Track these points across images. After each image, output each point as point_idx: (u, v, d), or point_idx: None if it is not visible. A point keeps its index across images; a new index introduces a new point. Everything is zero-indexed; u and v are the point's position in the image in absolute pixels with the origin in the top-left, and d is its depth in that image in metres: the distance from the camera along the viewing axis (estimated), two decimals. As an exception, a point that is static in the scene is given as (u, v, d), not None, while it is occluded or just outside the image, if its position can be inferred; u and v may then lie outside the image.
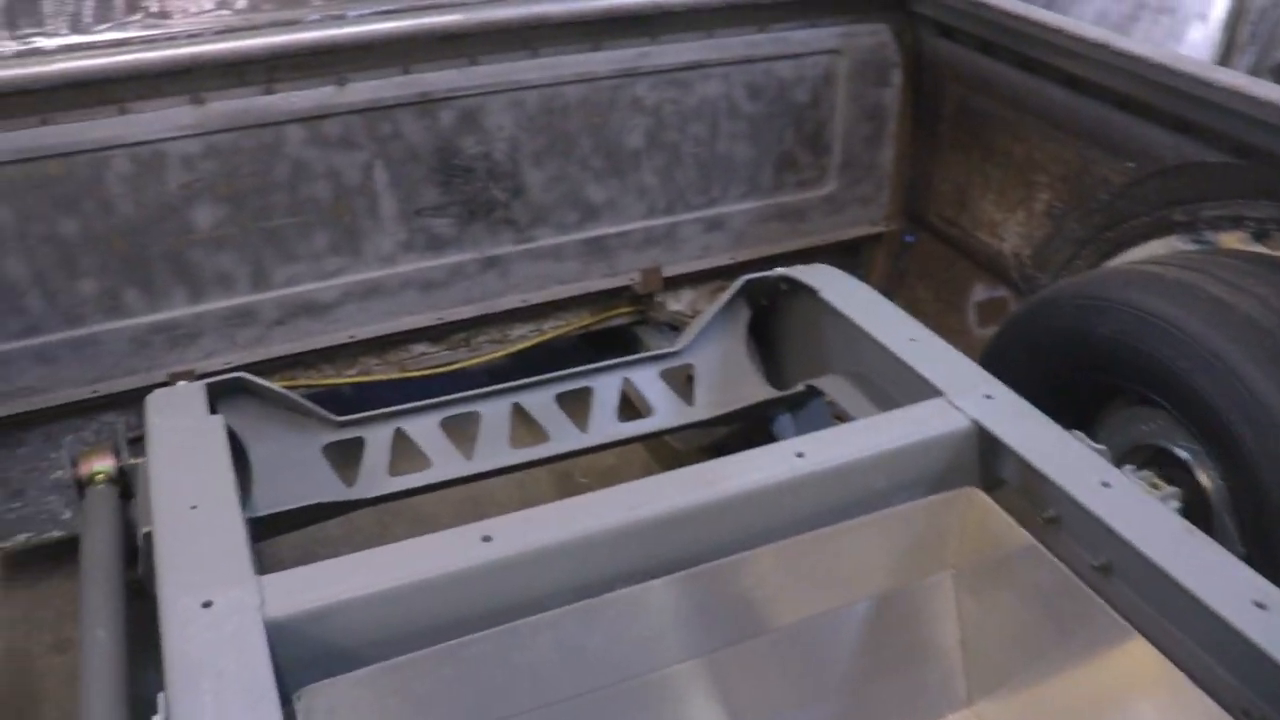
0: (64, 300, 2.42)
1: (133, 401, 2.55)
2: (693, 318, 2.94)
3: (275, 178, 2.46)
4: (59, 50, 2.23)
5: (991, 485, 1.90)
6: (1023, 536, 1.77)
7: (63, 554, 2.83)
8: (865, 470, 1.82)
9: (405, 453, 2.15)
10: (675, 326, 2.97)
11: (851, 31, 2.84)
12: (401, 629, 1.53)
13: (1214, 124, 2.27)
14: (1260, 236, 2.39)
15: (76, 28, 2.25)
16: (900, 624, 1.91)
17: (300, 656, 1.48)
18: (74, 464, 2.23)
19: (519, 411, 2.23)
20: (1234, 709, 1.48)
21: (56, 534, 2.69)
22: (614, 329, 3.01)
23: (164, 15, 2.29)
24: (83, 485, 2.19)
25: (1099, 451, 1.82)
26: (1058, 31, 2.44)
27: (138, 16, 2.27)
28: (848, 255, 3.19)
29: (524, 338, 2.88)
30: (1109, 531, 1.66)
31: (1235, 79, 2.18)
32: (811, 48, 2.82)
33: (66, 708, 2.54)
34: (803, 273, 2.31)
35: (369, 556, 1.58)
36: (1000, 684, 1.92)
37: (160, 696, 1.36)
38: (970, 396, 1.94)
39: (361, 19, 2.39)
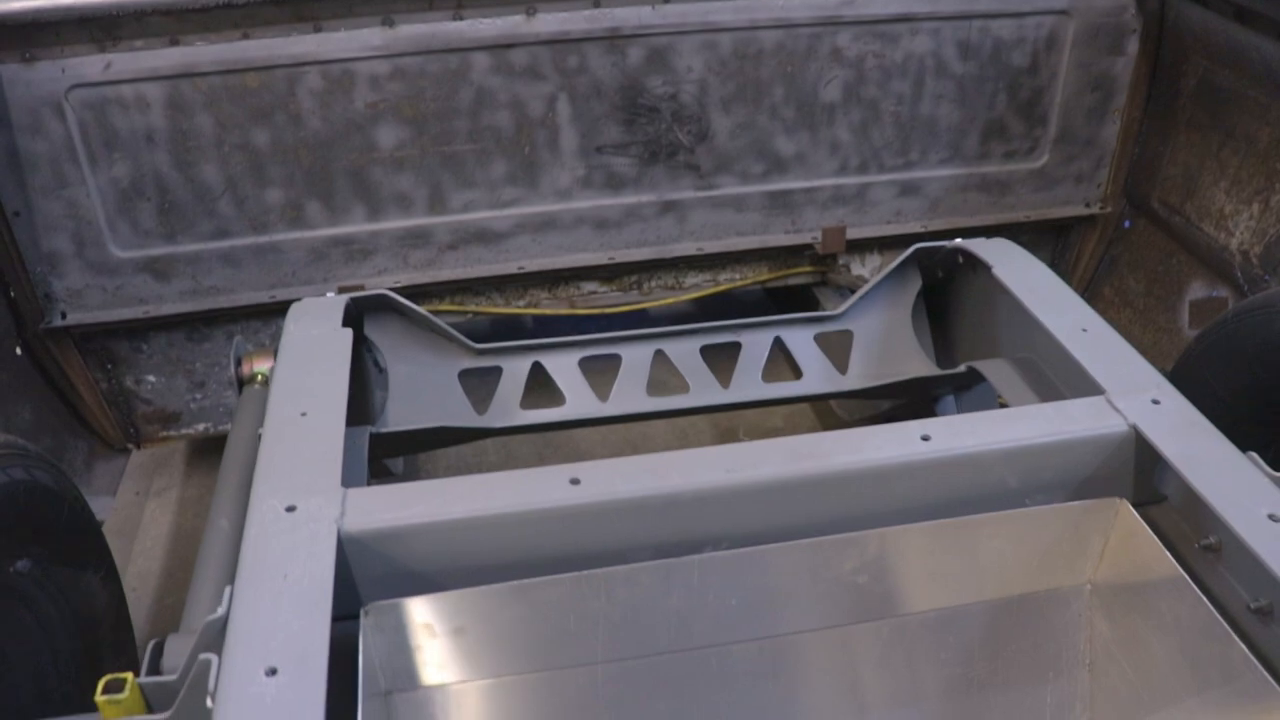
0: (252, 207, 2.53)
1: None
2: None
3: (458, 104, 2.48)
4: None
5: (1146, 501, 1.72)
6: (1170, 564, 1.59)
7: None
8: (996, 464, 1.68)
9: (543, 387, 2.14)
10: (853, 290, 2.83)
11: (1088, -11, 2.60)
12: (475, 560, 1.52)
13: None
14: None
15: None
16: (1025, 633, 1.77)
17: (373, 572, 1.49)
18: (238, 363, 2.34)
19: (662, 359, 2.17)
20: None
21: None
22: (792, 287, 2.91)
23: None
24: (242, 383, 2.30)
25: (1274, 479, 1.61)
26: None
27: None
28: (1056, 236, 2.97)
29: (697, 286, 2.82)
30: (1271, 572, 1.47)
31: None
32: (1037, 6, 2.60)
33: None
34: (978, 245, 2.15)
35: (453, 484, 1.57)
36: (1125, 716, 1.75)
37: (227, 589, 1.39)
38: (1135, 398, 1.75)
39: (557, -55, 2.37)
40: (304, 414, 1.68)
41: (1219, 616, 1.49)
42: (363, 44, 2.38)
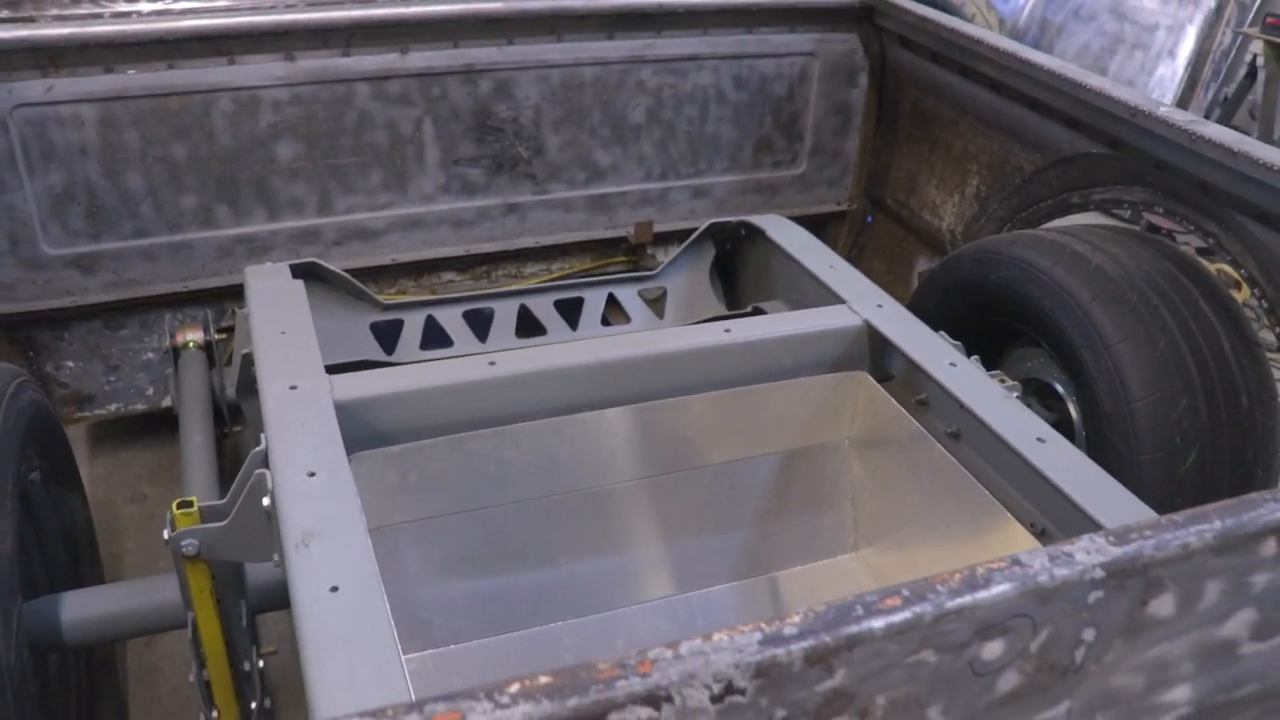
0: (169, 210, 3.03)
1: (214, 298, 3.18)
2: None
3: (344, 124, 3.07)
4: (186, 11, 2.85)
5: (881, 379, 2.46)
6: (901, 412, 2.33)
7: (143, 427, 3.44)
8: (776, 347, 2.39)
9: (433, 334, 2.75)
10: (662, 276, 3.56)
11: (825, 39, 3.44)
12: (426, 421, 2.11)
13: (1093, 120, 2.84)
14: (1135, 219, 2.96)
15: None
16: (802, 478, 2.47)
17: (356, 431, 2.06)
18: (172, 335, 2.84)
19: (524, 311, 2.82)
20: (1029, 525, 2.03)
21: (141, 407, 3.28)
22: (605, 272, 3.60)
23: (269, -13, 2.92)
24: (177, 351, 2.81)
25: (952, 343, 2.39)
26: (981, 44, 3.02)
27: (247, -13, 2.90)
28: (815, 229, 3.74)
29: (534, 275, 3.47)
30: (959, 402, 2.22)
31: (1100, 82, 2.76)
32: (791, 50, 3.42)
33: (141, 540, 3.13)
34: (758, 220, 2.90)
35: (412, 369, 2.17)
36: (882, 535, 2.47)
37: (261, 435, 1.94)
38: (866, 305, 2.51)
39: (421, 0, 3.00)
40: (283, 333, 2.24)
41: (937, 443, 2.22)
42: (268, 74, 2.94)
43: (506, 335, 2.78)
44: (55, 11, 2.77)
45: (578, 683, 0.74)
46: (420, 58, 3.05)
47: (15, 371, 2.22)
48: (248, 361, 2.28)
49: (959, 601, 0.87)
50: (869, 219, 3.75)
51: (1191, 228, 2.78)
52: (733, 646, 0.80)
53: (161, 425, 3.26)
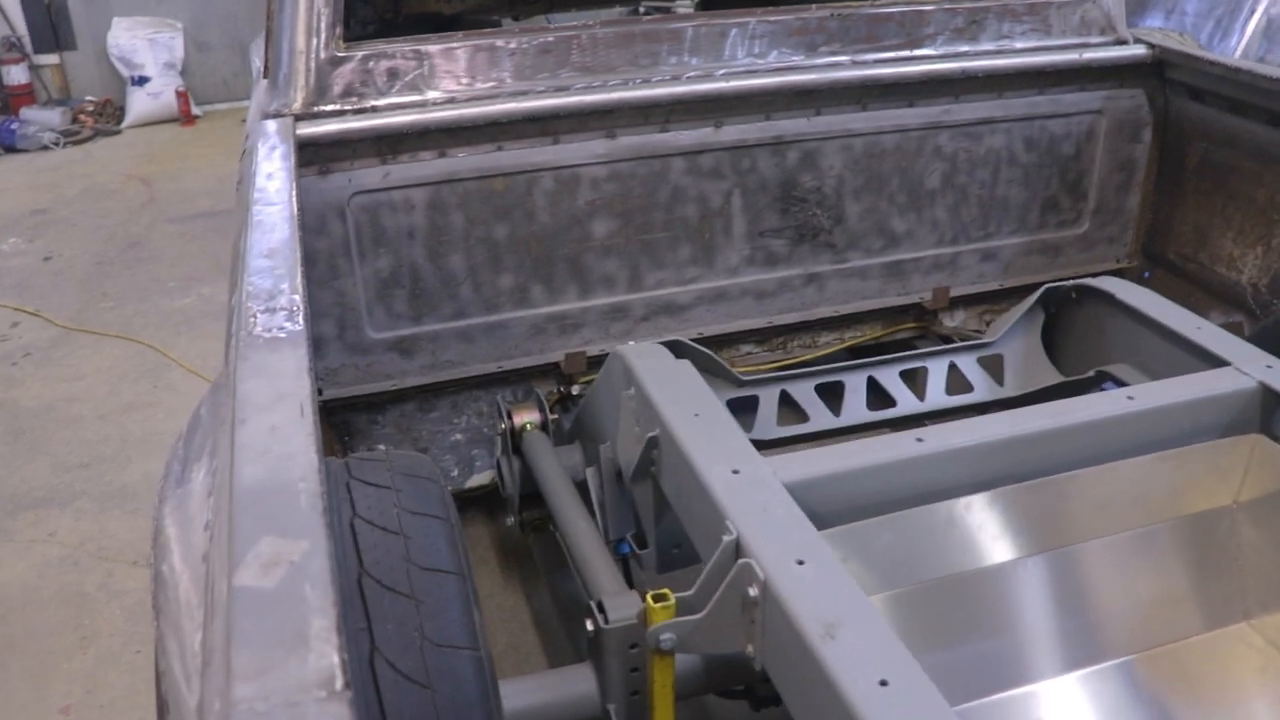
0: (487, 290, 3.06)
1: (522, 378, 3.19)
2: (970, 333, 3.49)
3: (658, 199, 3.08)
4: (517, 93, 2.89)
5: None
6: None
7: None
8: (1178, 414, 2.33)
9: (789, 408, 2.72)
10: (948, 339, 3.51)
11: (1114, 95, 3.41)
12: (864, 500, 2.09)
13: None
14: None
15: (525, 77, 2.92)
16: (1192, 545, 2.40)
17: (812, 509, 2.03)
18: (509, 415, 2.85)
19: (873, 383, 2.79)
20: None
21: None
22: (897, 341, 3.57)
23: (589, 69, 2.94)
24: (515, 432, 2.81)
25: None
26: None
27: (570, 71, 2.93)
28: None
29: (829, 344, 3.45)
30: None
31: None
32: (1080, 109, 3.39)
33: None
34: (1096, 282, 2.85)
35: (843, 448, 2.15)
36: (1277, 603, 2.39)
37: (727, 522, 1.91)
38: (1255, 365, 2.45)
39: (739, 75, 3.02)
40: (697, 415, 2.23)
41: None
42: (590, 152, 2.97)
43: (858, 408, 2.76)
44: (391, 100, 2.82)
45: None
46: (733, 130, 3.07)
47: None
48: (652, 445, 2.26)
49: None
50: (1146, 274, 3.69)
51: None
52: None
53: (466, 506, 3.27)
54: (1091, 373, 2.84)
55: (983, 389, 2.85)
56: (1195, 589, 2.43)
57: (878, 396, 2.80)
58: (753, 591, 1.79)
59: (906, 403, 2.79)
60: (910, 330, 3.53)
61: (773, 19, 3.04)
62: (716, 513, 1.96)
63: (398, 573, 1.68)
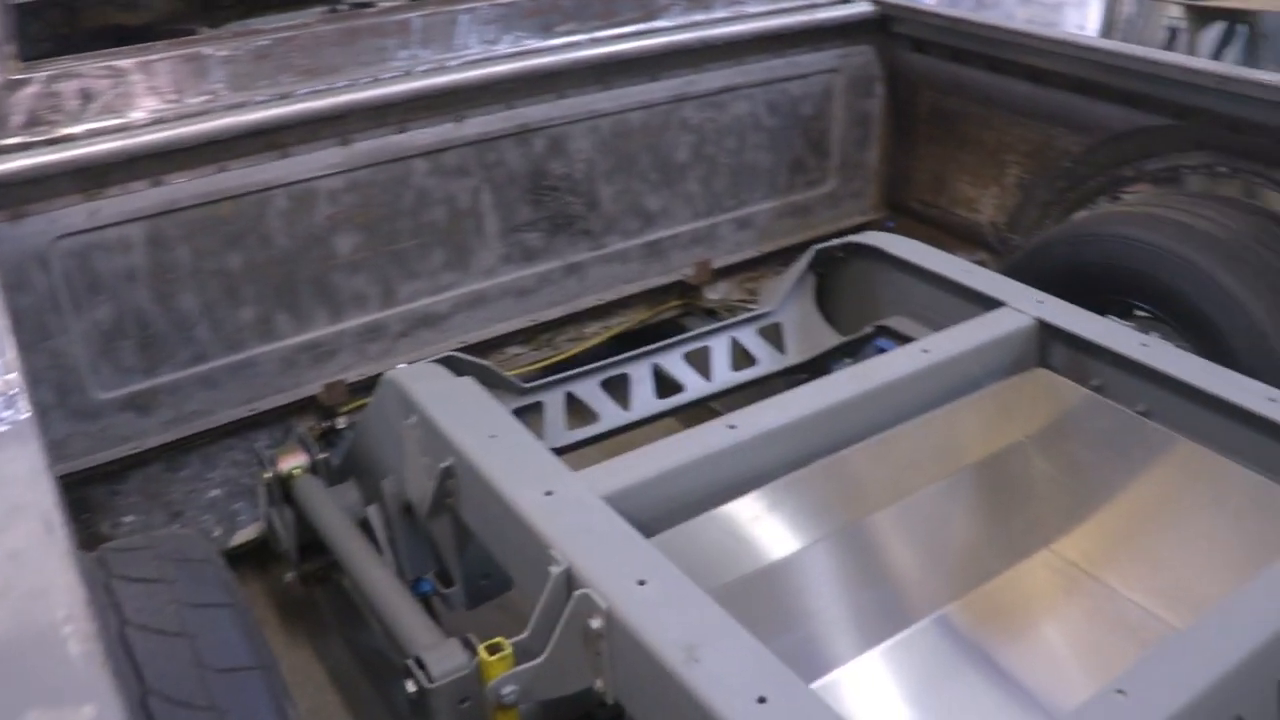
0: (227, 327, 2.75)
1: (279, 418, 2.91)
2: (736, 304, 3.45)
3: (402, 205, 2.86)
4: (235, 105, 2.60)
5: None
6: (1084, 392, 2.32)
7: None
8: (969, 360, 2.35)
9: (577, 409, 2.57)
10: (714, 313, 3.46)
11: (846, 53, 3.43)
12: (686, 497, 1.97)
13: (1159, 94, 2.91)
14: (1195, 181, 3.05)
15: (242, 86, 2.62)
16: (992, 485, 2.43)
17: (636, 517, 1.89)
18: (272, 462, 2.58)
19: (658, 371, 2.68)
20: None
21: (208, 550, 2.96)
22: (663, 322, 3.48)
23: (314, 72, 2.68)
24: (284, 480, 2.55)
25: (1132, 326, 2.40)
26: (1028, 35, 3.07)
27: (293, 76, 2.66)
28: (846, 243, 3.75)
29: (595, 334, 3.32)
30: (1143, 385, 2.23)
31: (1177, 57, 2.84)
32: (817, 68, 3.39)
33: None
34: (864, 238, 2.84)
35: (653, 448, 2.01)
36: (1074, 523, 2.45)
37: (553, 551, 1.74)
38: (1027, 302, 2.49)
39: (476, 64, 2.83)
40: (493, 436, 2.04)
41: (1124, 408, 2.23)
42: (324, 163, 2.71)
43: (647, 398, 2.64)
44: (89, 126, 2.47)
45: None
46: (475, 124, 2.88)
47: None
48: (447, 475, 2.06)
49: None
50: (890, 224, 3.75)
51: (1262, 181, 2.88)
52: None
53: (234, 564, 2.95)
54: (869, 328, 2.83)
55: (767, 360, 2.80)
56: (999, 527, 2.46)
57: (665, 384, 2.69)
58: (595, 623, 1.64)
59: (695, 386, 2.69)
60: (675, 309, 3.46)
61: (504, 1, 2.87)
62: (538, 543, 1.79)
63: (190, 682, 1.42)
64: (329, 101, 2.65)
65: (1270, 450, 2.13)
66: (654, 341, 3.00)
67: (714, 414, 3.06)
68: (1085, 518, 2.44)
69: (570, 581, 1.71)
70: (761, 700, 1.46)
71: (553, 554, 1.74)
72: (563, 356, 3.26)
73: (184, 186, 2.58)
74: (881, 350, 2.93)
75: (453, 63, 2.82)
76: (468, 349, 3.04)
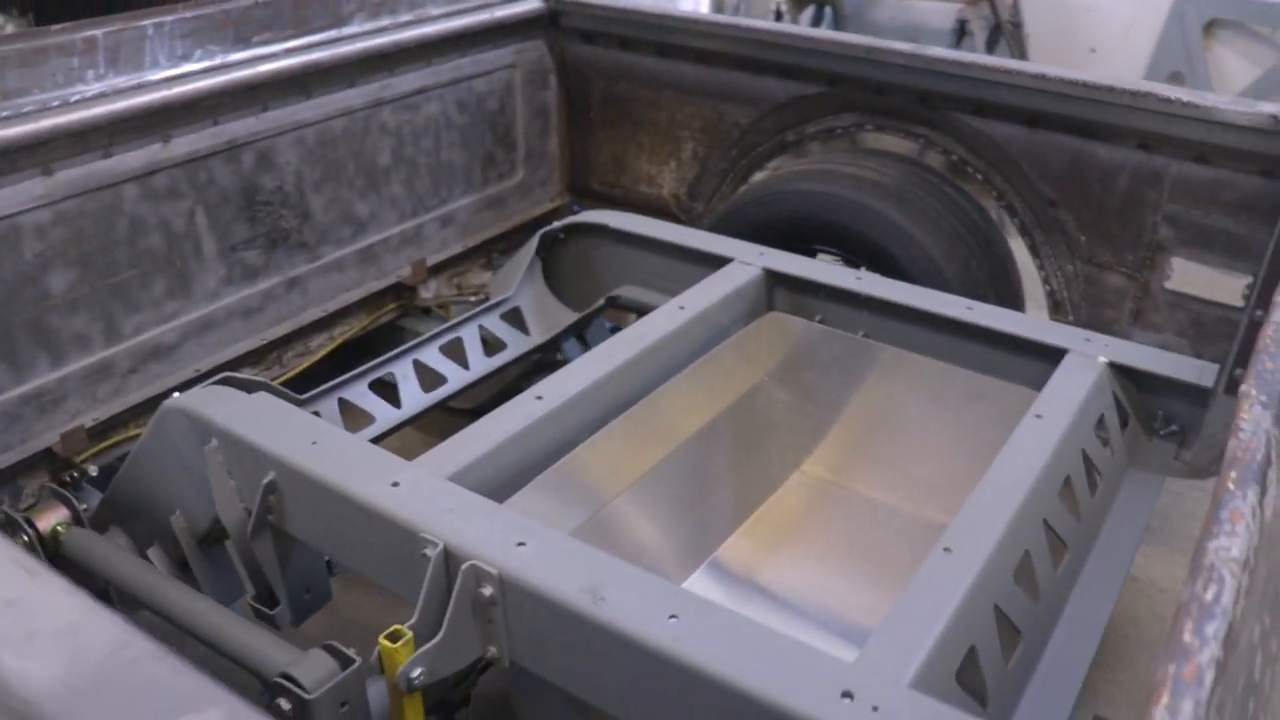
0: (-65, 390, 2.50)
1: (7, 479, 2.67)
2: (450, 300, 3.53)
3: (116, 235, 2.71)
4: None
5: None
6: (812, 325, 2.65)
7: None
8: (719, 311, 2.61)
9: (350, 414, 2.58)
10: (429, 310, 3.53)
11: (522, 48, 3.59)
12: (519, 465, 2.08)
13: (814, 65, 3.30)
14: (849, 138, 3.49)
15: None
16: (746, 423, 2.70)
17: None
18: (29, 525, 2.40)
19: (419, 365, 2.73)
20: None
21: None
22: (384, 325, 3.49)
23: (13, 94, 2.49)
24: (47, 540, 2.39)
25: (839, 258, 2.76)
26: (693, 20, 3.37)
27: (-12, 98, 2.46)
28: (538, 229, 3.91)
29: (322, 346, 3.28)
30: (886, 304, 2.59)
31: (827, 34, 3.24)
32: (497, 65, 3.52)
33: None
34: (587, 216, 3.03)
35: (476, 428, 2.10)
36: (817, 442, 2.78)
37: (423, 535, 1.79)
38: (751, 255, 2.79)
39: (178, 80, 2.73)
40: (314, 443, 2.03)
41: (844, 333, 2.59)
42: (27, 195, 2.52)
43: (415, 393, 2.69)
44: None
45: None
46: (183, 143, 2.77)
47: None
48: (269, 491, 2.04)
49: None
50: (575, 208, 3.96)
51: (902, 134, 3.35)
52: None
53: None
54: (602, 301, 3.03)
55: (516, 343, 2.92)
56: (757, 459, 2.74)
57: (428, 377, 2.74)
58: (487, 590, 1.72)
59: (456, 376, 2.77)
60: (393, 312, 3.48)
61: (192, 14, 2.78)
62: (402, 531, 1.83)
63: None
64: (23, 129, 2.47)
65: (974, 350, 2.54)
66: (376, 348, 3.06)
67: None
68: (825, 436, 2.77)
69: (449, 559, 1.77)
70: (673, 617, 1.61)
71: (424, 537, 1.79)
72: (294, 373, 3.20)
73: None
74: (612, 330, 3.15)
75: (151, 79, 2.71)
76: (201, 376, 2.95)
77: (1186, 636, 1.06)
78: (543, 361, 3.15)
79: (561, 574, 1.70)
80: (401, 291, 3.46)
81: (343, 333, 3.34)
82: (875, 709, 1.47)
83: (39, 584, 1.04)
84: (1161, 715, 0.96)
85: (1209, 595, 1.13)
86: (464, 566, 1.73)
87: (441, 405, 2.73)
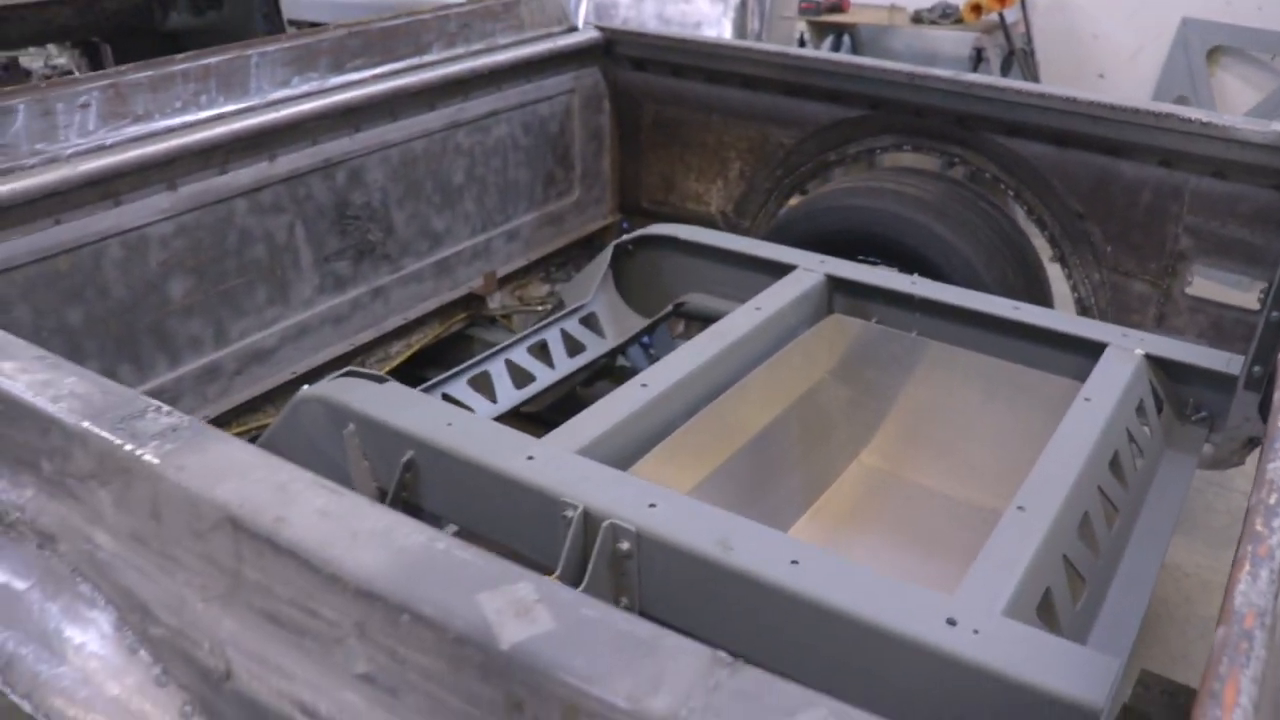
0: (69, 386, 2.70)
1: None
2: (515, 309, 3.76)
3: (227, 246, 2.93)
4: (75, 155, 2.60)
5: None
6: (871, 325, 2.89)
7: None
8: (789, 313, 2.84)
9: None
10: (495, 320, 3.76)
11: (579, 75, 3.85)
12: (632, 442, 2.31)
13: (857, 90, 3.56)
14: (887, 159, 3.74)
15: (81, 133, 2.63)
16: (813, 417, 2.93)
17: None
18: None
19: (511, 365, 2.95)
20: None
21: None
22: (454, 335, 3.72)
23: (145, 117, 2.72)
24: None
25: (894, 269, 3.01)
26: (747, 49, 3.64)
27: (124, 121, 2.69)
28: (591, 245, 4.15)
29: (400, 353, 3.51)
30: (939, 304, 2.84)
31: (872, 62, 3.50)
32: (559, 90, 3.78)
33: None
34: (655, 230, 3.27)
35: (599, 406, 2.33)
36: (873, 433, 3.01)
37: (563, 499, 2.00)
38: (813, 263, 3.03)
39: (283, 103, 2.97)
40: (449, 424, 2.25)
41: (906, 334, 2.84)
42: (154, 209, 2.74)
43: (509, 390, 2.91)
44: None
45: None
46: (286, 161, 3.00)
47: None
48: (407, 468, 2.25)
49: None
50: (625, 225, 4.20)
51: (938, 154, 3.60)
52: None
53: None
54: (670, 308, 3.26)
55: (594, 345, 3.15)
56: (823, 449, 2.97)
57: (519, 375, 2.97)
58: (625, 546, 1.93)
59: (543, 375, 3.00)
60: (462, 321, 3.71)
61: (290, 44, 3.03)
62: (543, 498, 2.05)
63: None
64: (160, 147, 2.70)
65: (1019, 346, 2.77)
66: (444, 356, 3.29)
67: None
68: (882, 428, 3.00)
69: (588, 520, 1.99)
70: (795, 562, 1.83)
71: (564, 501, 2.01)
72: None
73: (19, 244, 2.53)
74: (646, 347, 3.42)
75: (261, 104, 2.94)
76: (297, 379, 3.16)
77: (1259, 526, 1.30)
78: (606, 368, 3.38)
79: (693, 529, 1.92)
80: (471, 302, 3.69)
81: (419, 340, 3.57)
82: (976, 632, 1.69)
83: (343, 498, 1.26)
84: (1245, 580, 1.20)
85: (1273, 500, 1.37)
86: (604, 525, 1.94)
87: (532, 400, 2.96)
